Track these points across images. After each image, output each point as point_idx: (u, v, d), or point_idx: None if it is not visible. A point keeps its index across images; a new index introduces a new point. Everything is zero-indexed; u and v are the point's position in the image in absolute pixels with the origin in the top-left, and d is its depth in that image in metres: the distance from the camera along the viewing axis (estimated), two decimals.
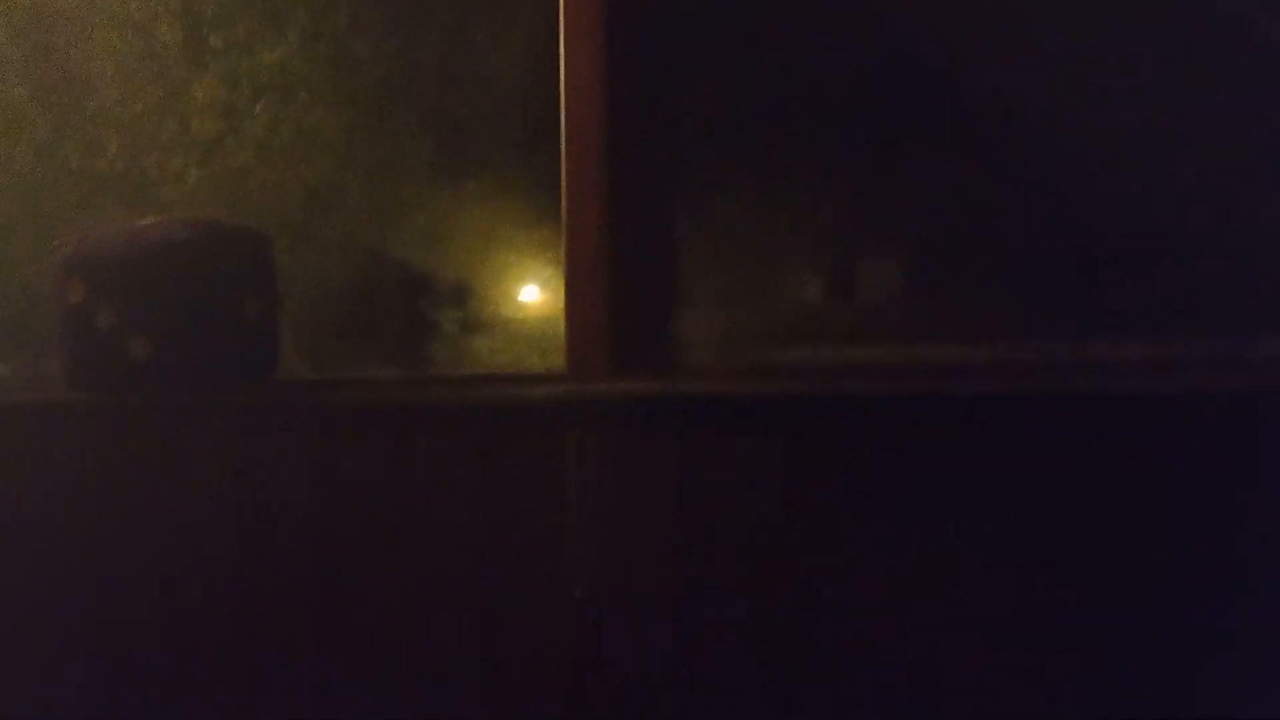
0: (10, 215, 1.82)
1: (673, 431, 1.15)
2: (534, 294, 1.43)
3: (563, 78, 1.26)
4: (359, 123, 1.54)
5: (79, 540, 1.44)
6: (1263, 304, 1.13)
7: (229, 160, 1.62)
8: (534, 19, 1.41)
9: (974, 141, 1.24)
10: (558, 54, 1.27)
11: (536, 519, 1.20)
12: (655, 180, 1.33)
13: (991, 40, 1.25)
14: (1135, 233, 1.19)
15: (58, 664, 1.47)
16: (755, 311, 1.32)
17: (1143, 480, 0.99)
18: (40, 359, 1.75)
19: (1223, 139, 1.16)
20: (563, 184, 1.26)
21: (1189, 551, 0.97)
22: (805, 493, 1.10)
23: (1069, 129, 1.21)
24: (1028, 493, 1.03)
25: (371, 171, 1.54)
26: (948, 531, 1.05)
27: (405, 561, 1.26)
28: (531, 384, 1.27)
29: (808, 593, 1.09)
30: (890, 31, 1.28)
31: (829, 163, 1.31)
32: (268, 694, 1.33)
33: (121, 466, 1.41)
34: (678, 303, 1.34)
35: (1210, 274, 1.16)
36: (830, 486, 1.09)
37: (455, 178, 1.47)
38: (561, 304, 1.26)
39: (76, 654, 1.46)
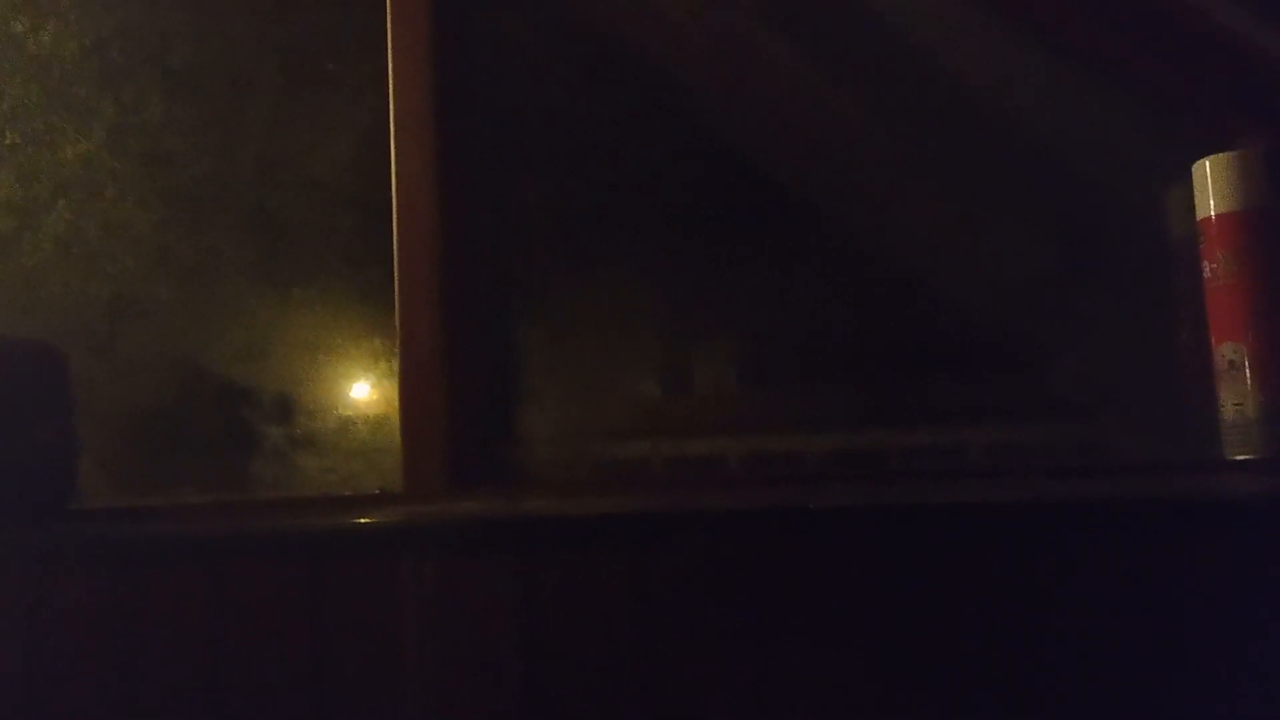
0: None
1: (518, 552, 1.09)
2: (366, 407, 1.34)
3: (394, 180, 1.21)
4: (172, 222, 1.44)
5: None
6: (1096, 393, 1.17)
7: (23, 260, 1.48)
8: (361, 117, 1.36)
9: (807, 233, 1.26)
10: (387, 155, 1.22)
11: (369, 654, 1.10)
12: (490, 281, 1.29)
13: (824, 138, 1.28)
14: (968, 323, 1.22)
15: None
16: (595, 407, 1.29)
17: (1011, 594, 0.98)
18: None
19: (1055, 232, 1.21)
20: (396, 289, 1.20)
21: (1065, 670, 0.97)
22: (659, 613, 1.05)
23: (903, 222, 1.25)
24: (887, 607, 1.01)
25: (187, 275, 1.43)
26: (805, 649, 1.02)
27: (218, 709, 1.13)
28: (365, 505, 1.18)
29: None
30: (723, 128, 1.30)
31: (663, 258, 1.31)
32: None
33: None
34: (515, 402, 1.29)
35: (1048, 364, 1.20)
36: (684, 605, 1.05)
37: (280, 283, 1.39)
38: (395, 417, 1.19)
39: None
